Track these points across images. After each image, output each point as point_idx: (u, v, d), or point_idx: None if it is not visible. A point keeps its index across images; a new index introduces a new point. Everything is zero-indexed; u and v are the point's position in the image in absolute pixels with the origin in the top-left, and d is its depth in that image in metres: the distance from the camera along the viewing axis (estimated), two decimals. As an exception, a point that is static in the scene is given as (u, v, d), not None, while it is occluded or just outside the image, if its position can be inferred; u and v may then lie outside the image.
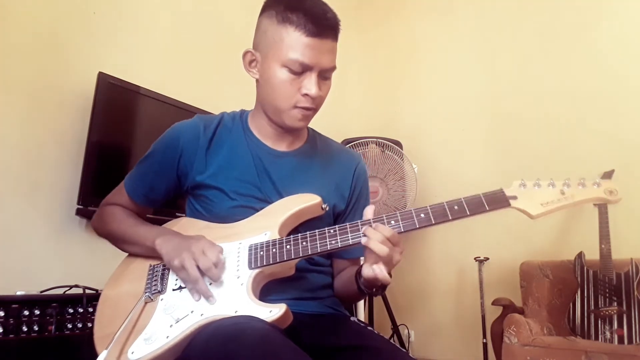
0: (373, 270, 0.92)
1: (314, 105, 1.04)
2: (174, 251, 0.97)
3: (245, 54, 1.09)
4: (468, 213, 0.91)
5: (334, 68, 1.05)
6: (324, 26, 1.00)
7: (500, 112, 2.97)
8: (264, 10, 1.05)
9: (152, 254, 1.04)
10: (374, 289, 1.00)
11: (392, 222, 0.92)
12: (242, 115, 1.17)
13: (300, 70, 1.00)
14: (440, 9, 3.35)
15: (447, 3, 3.32)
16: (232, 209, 1.06)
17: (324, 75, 1.04)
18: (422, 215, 0.92)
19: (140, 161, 1.16)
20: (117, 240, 1.13)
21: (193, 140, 1.09)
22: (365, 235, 0.92)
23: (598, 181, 0.94)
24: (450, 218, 0.91)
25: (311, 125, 1.20)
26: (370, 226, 0.92)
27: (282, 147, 1.13)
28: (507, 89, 2.96)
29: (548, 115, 2.77)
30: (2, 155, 1.83)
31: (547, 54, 2.83)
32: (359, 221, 0.95)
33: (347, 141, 2.87)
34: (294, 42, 0.99)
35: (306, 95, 1.02)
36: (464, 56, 3.18)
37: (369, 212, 0.97)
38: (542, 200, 0.92)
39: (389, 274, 0.94)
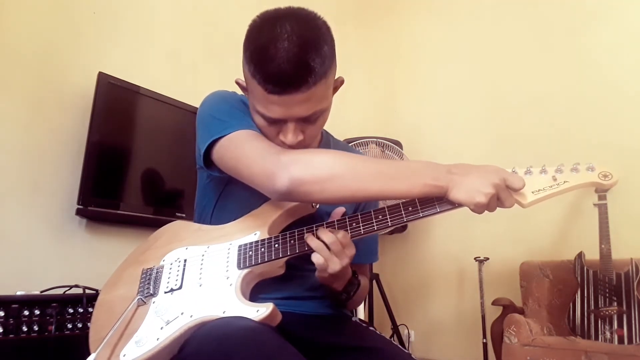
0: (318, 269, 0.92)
1: (299, 147, 0.95)
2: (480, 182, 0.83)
3: (237, 82, 1.03)
4: (455, 204, 0.85)
5: (315, 114, 0.92)
6: (291, 81, 0.86)
7: (501, 112, 2.97)
8: (244, 43, 0.93)
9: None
10: (346, 290, 1.01)
11: (354, 224, 0.92)
12: None
13: (273, 121, 0.93)
14: (440, 10, 3.35)
15: (447, 4, 3.32)
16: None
17: (307, 120, 0.93)
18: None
19: (217, 123, 0.98)
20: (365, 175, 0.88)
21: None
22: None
23: (591, 165, 0.86)
24: (438, 210, 0.86)
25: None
26: (313, 234, 0.91)
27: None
28: (507, 89, 2.96)
29: (548, 116, 2.77)
30: (2, 155, 1.83)
31: (548, 55, 2.83)
32: (335, 221, 0.94)
33: (347, 141, 2.86)
34: (260, 97, 0.90)
35: (284, 142, 0.94)
36: (464, 56, 3.18)
37: (337, 212, 0.97)
38: (533, 187, 0.86)
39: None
